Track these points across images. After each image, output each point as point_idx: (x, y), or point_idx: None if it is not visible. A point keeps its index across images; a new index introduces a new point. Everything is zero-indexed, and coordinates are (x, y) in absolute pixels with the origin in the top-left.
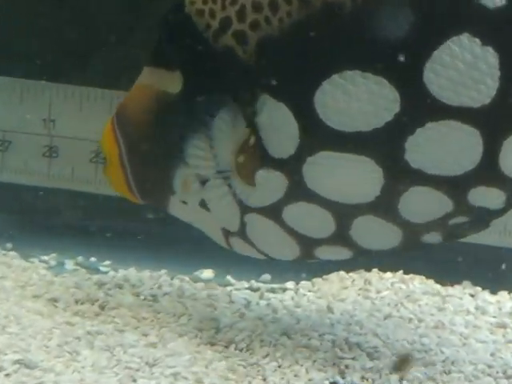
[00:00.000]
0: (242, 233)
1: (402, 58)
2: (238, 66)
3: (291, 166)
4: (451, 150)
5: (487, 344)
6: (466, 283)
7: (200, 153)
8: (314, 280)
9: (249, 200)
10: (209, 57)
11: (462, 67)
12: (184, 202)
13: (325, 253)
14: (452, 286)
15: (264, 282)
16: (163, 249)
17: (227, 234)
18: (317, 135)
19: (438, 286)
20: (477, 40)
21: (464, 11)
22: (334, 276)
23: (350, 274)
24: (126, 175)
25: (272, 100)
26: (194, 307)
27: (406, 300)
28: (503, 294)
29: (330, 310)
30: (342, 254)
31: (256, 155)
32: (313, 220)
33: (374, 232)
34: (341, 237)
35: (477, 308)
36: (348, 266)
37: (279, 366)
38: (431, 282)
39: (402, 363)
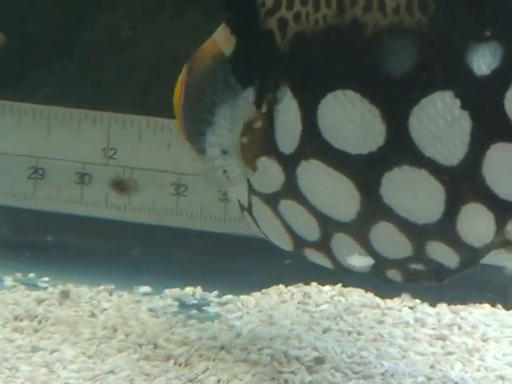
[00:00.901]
0: (250, 211)
1: (395, 95)
2: (274, 51)
3: (289, 164)
4: (418, 198)
5: (426, 356)
6: (405, 296)
7: (223, 123)
8: (253, 294)
9: (253, 183)
10: (256, 33)
11: (440, 123)
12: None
13: (312, 256)
14: (391, 298)
15: (203, 297)
16: (101, 265)
17: (241, 206)
18: (312, 142)
19: (377, 299)
20: (457, 101)
21: (453, 69)
22: (272, 290)
23: (289, 287)
24: (181, 118)
25: (290, 94)
26: (133, 323)
27: (345, 313)
28: (442, 307)
29: (268, 323)
30: (325, 262)
31: (264, 141)
32: (302, 221)
33: (348, 251)
34: (323, 246)
35: (416, 320)
36: (287, 279)
37: (218, 381)
38: (370, 295)
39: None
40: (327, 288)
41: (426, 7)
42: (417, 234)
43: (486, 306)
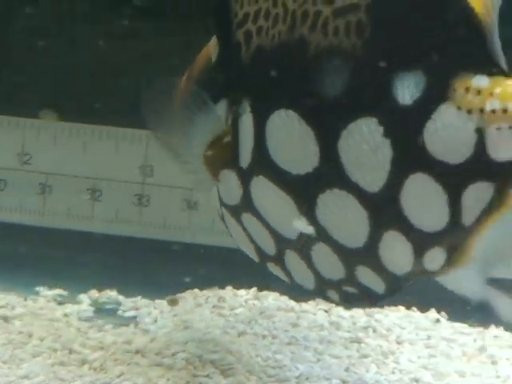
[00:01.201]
0: (223, 220)
1: (327, 118)
2: (239, 64)
3: (245, 178)
4: (346, 222)
5: (341, 359)
6: (320, 299)
7: (203, 131)
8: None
9: (220, 194)
10: (229, 44)
11: (365, 149)
12: None
13: (273, 269)
14: (306, 302)
15: (118, 301)
16: (16, 270)
17: (219, 215)
18: (261, 159)
19: (292, 302)
20: (381, 129)
21: (379, 95)
22: (187, 294)
23: (204, 291)
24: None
25: (248, 108)
26: (48, 327)
27: (260, 317)
28: (357, 310)
29: (183, 327)
30: (283, 276)
31: (227, 154)
32: (260, 235)
33: (297, 268)
34: (279, 261)
35: (331, 323)
36: (202, 283)
37: None
38: (285, 298)
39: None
40: (242, 292)
41: (362, 30)
42: (347, 257)
43: (401, 308)
